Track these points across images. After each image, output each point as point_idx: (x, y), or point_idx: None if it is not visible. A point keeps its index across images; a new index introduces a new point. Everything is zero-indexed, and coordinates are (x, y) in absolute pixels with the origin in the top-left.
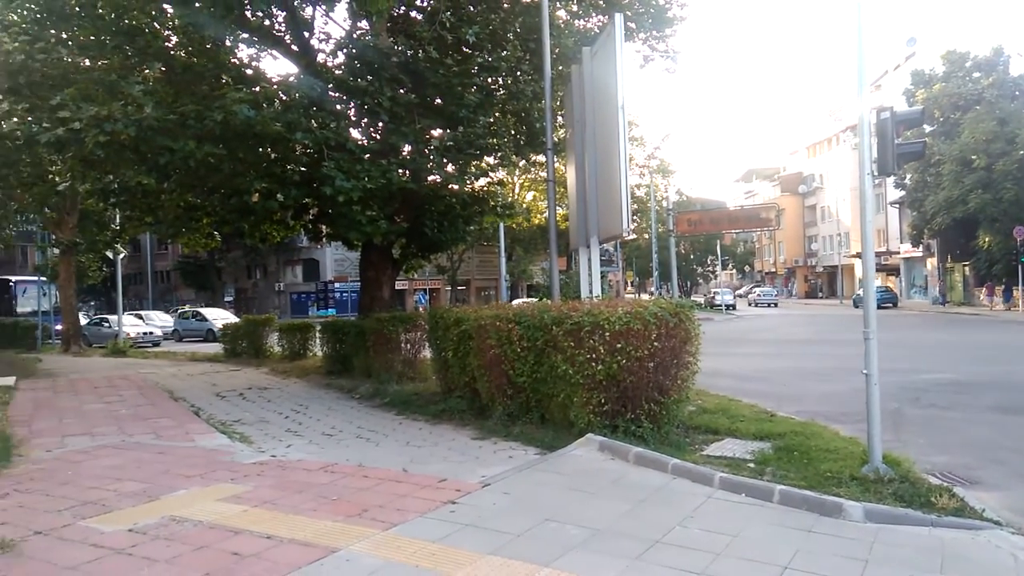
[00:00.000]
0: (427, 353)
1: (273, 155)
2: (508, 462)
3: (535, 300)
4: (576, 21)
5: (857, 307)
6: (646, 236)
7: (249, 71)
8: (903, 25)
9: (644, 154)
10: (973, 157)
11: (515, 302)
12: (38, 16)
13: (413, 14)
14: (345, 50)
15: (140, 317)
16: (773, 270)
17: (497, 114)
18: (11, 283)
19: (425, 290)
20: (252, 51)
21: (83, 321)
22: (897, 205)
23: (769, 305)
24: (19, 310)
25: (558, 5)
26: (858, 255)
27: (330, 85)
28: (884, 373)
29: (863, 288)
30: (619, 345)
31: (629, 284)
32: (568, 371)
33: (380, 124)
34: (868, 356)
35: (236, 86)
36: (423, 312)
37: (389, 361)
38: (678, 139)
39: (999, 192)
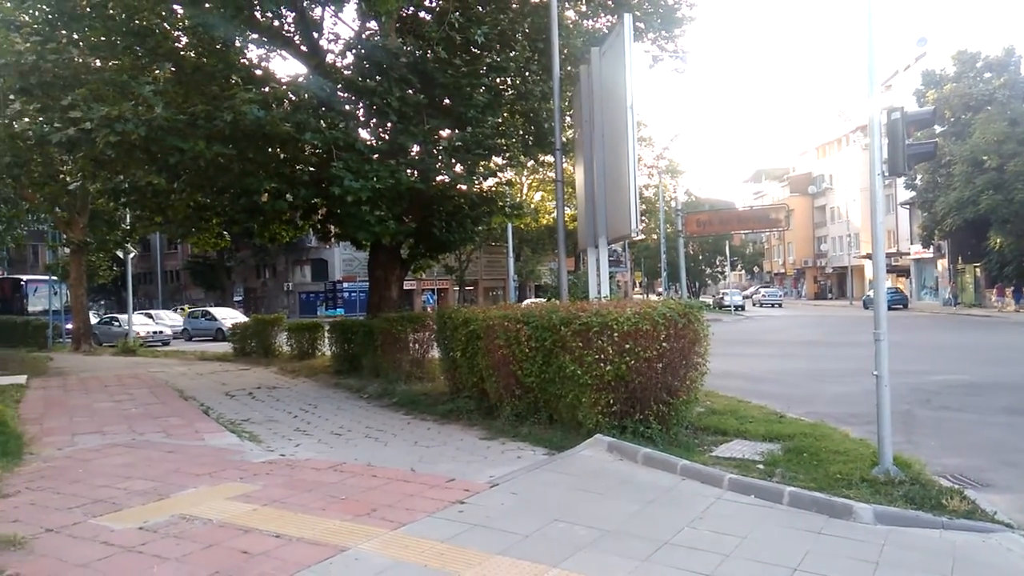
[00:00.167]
0: (435, 353)
1: (282, 155)
2: (516, 462)
3: (543, 300)
4: (585, 21)
5: (867, 308)
6: (654, 236)
7: (259, 72)
8: (914, 25)
9: (653, 154)
10: (984, 158)
11: (525, 302)
12: (49, 17)
13: (422, 14)
14: (354, 51)
15: (150, 316)
16: (782, 271)
17: (505, 114)
18: (23, 282)
19: (433, 290)
20: (262, 52)
21: (93, 320)
22: (907, 206)
23: (773, 305)
24: (30, 309)
25: (567, 5)
26: (868, 256)
27: (339, 85)
28: (894, 374)
29: (873, 289)
30: (628, 346)
31: (637, 285)
32: (576, 371)
33: (389, 124)
34: (878, 357)
35: (246, 86)
36: (431, 312)
37: (397, 361)
38: (687, 139)
39: (1010, 193)
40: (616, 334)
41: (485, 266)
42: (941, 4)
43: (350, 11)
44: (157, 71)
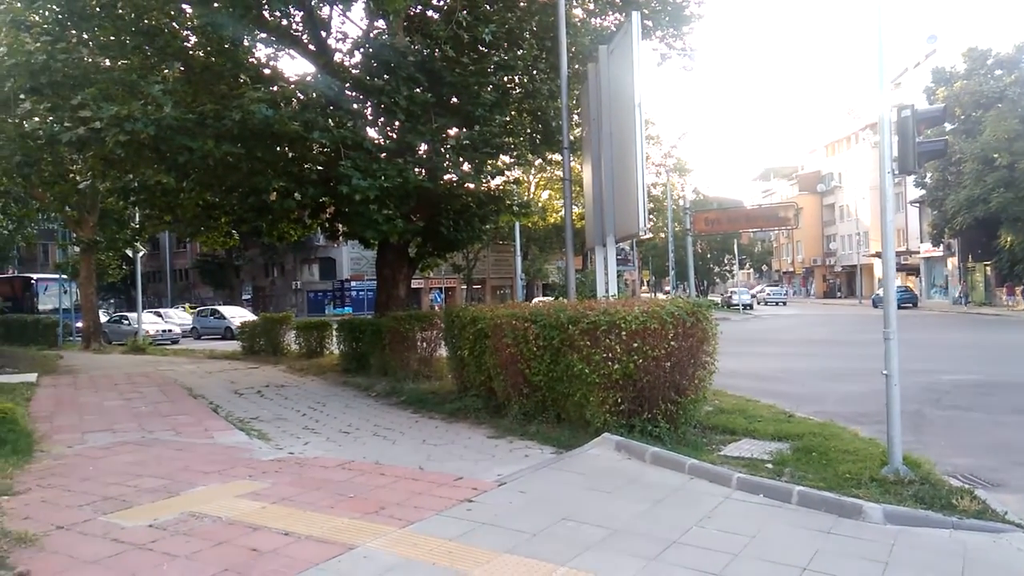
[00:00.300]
0: (443, 351)
1: (291, 154)
2: (524, 461)
3: (551, 299)
4: (592, 19)
5: (876, 307)
6: (662, 235)
7: (267, 71)
8: (923, 22)
9: (661, 152)
10: (995, 155)
11: (534, 300)
12: (59, 17)
13: (430, 13)
14: (362, 49)
15: (159, 315)
16: (791, 269)
17: (513, 113)
18: (33, 281)
19: (441, 289)
20: (270, 51)
21: (103, 319)
22: (917, 204)
23: (777, 303)
24: (40, 307)
25: (574, 3)
26: (877, 255)
27: (347, 84)
28: (904, 374)
29: (883, 288)
30: (636, 344)
31: (645, 283)
32: (584, 370)
33: (397, 123)
34: (888, 356)
35: (254, 86)
36: (439, 311)
37: (405, 359)
38: (695, 137)
39: (1021, 191)
40: (624, 333)
41: (492, 265)
42: (951, 1)
43: (358, 10)
44: (166, 70)
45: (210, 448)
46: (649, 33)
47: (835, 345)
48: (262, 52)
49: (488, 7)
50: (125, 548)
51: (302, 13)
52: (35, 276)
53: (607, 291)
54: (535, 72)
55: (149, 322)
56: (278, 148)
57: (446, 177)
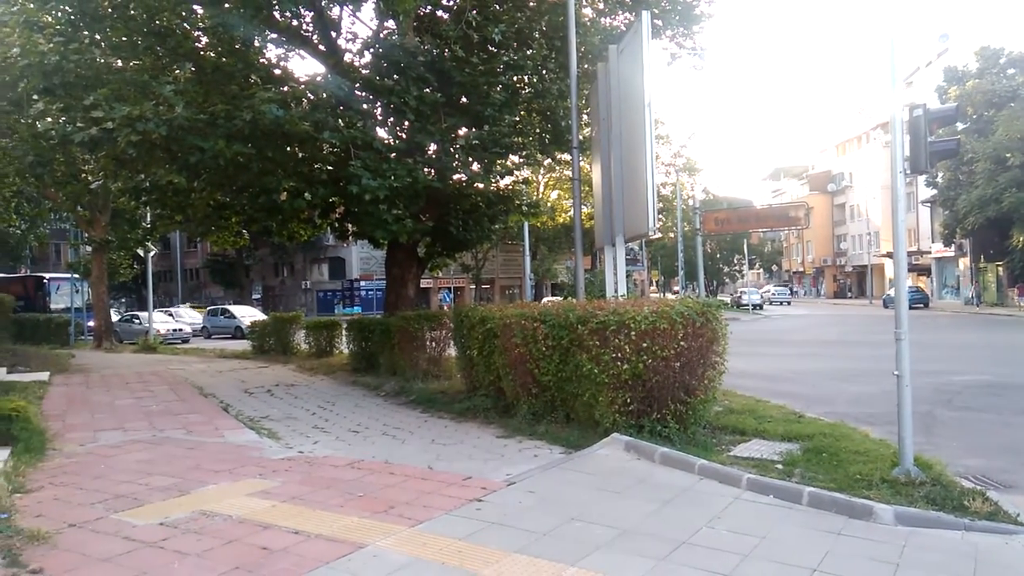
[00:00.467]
0: (452, 351)
1: (301, 154)
2: (533, 461)
3: (560, 299)
4: (602, 19)
5: (887, 307)
6: (672, 235)
7: (277, 71)
8: (935, 21)
9: (670, 152)
10: (1007, 155)
11: (543, 300)
12: (72, 18)
13: (439, 13)
14: (372, 50)
15: (170, 314)
16: (801, 269)
17: (522, 112)
18: (45, 280)
19: (450, 288)
20: (280, 51)
21: (114, 318)
22: (928, 204)
23: (782, 303)
24: (53, 306)
25: (584, 3)
26: (889, 255)
27: (357, 85)
28: (916, 375)
29: (894, 288)
30: (645, 344)
31: (654, 283)
32: (593, 370)
33: (406, 123)
34: (899, 357)
35: (265, 86)
36: (448, 310)
37: (414, 359)
38: (705, 137)
39: None
40: (633, 333)
41: (501, 264)
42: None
43: (368, 10)
44: (178, 71)
45: (221, 447)
46: (659, 32)
47: (845, 346)
48: (272, 52)
49: (498, 7)
50: (136, 546)
51: (312, 14)
52: (47, 275)
53: (616, 291)
54: (545, 72)
55: (160, 321)
56: (288, 148)
57: (455, 177)
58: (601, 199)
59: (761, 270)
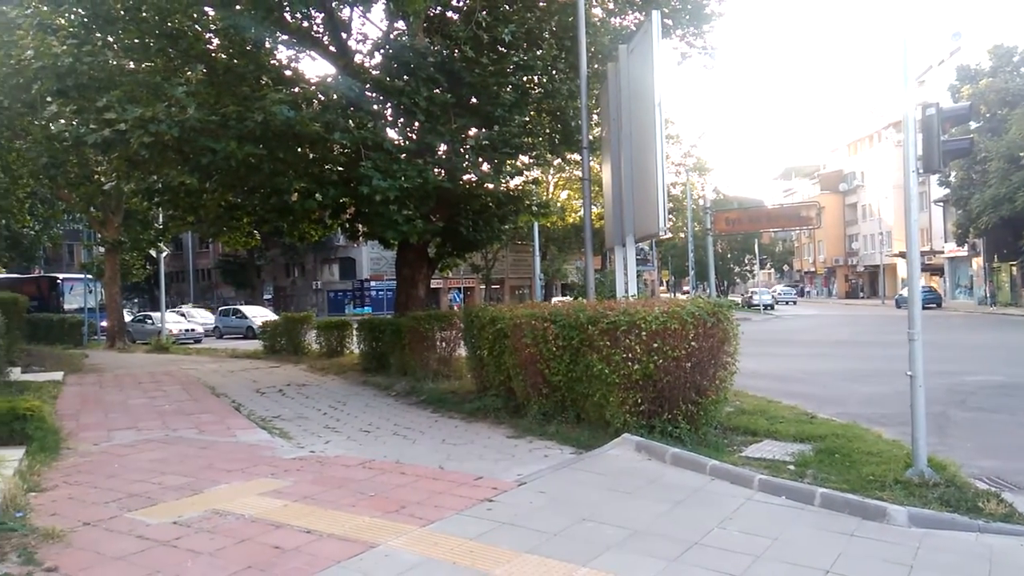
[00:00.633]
0: (462, 351)
1: (312, 155)
2: (544, 461)
3: (570, 299)
4: (612, 19)
5: (899, 307)
6: (682, 235)
7: (288, 72)
8: (948, 19)
9: (681, 152)
10: (1021, 154)
11: (553, 300)
12: (85, 20)
13: (449, 14)
14: (382, 50)
15: (182, 314)
16: (812, 269)
17: (532, 113)
18: (59, 280)
19: (460, 288)
20: (291, 53)
21: (127, 318)
22: (941, 203)
23: (788, 303)
24: (66, 307)
25: (594, 3)
26: (901, 254)
27: (367, 85)
28: (929, 375)
29: (907, 288)
30: (656, 345)
31: (664, 284)
32: (604, 370)
33: (416, 124)
34: (912, 357)
35: (276, 87)
36: (458, 311)
37: (425, 359)
38: (715, 136)
39: None
40: (644, 333)
41: (511, 265)
42: None
43: (378, 11)
44: (189, 72)
45: (233, 446)
46: (669, 32)
47: (857, 346)
48: (283, 54)
49: (508, 7)
50: (150, 545)
51: (323, 15)
52: (61, 276)
53: (627, 291)
54: (555, 72)
55: (172, 321)
56: (299, 149)
57: (465, 177)
58: (611, 199)
59: (772, 270)
